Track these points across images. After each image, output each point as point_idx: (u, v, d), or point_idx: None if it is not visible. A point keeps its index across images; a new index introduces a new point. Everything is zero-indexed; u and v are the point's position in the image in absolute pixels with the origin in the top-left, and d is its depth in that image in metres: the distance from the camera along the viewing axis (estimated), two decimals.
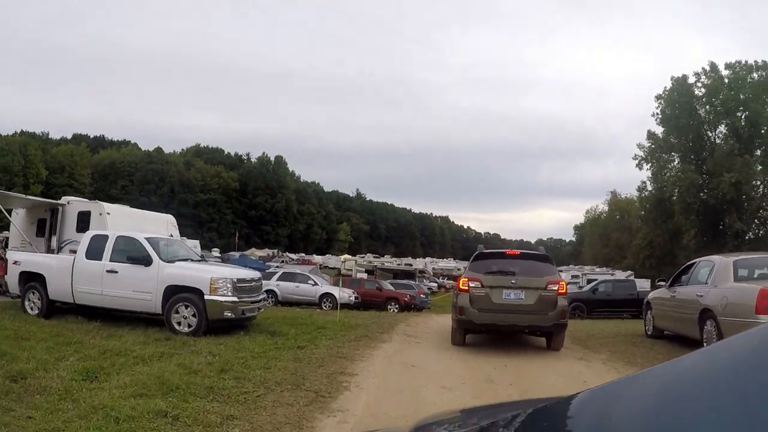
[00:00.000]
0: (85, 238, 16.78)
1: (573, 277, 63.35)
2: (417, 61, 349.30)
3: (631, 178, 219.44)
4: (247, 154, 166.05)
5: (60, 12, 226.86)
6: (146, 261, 15.20)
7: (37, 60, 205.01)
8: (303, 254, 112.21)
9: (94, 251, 16.13)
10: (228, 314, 14.45)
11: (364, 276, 53.30)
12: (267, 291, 33.05)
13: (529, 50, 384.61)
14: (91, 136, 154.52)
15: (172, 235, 19.74)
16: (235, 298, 14.58)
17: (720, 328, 12.03)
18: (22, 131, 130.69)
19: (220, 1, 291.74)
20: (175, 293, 14.73)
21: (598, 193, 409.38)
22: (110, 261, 15.73)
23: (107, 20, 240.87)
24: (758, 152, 69.89)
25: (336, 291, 31.38)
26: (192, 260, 16.51)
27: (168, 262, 15.32)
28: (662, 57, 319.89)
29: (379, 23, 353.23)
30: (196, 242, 74.44)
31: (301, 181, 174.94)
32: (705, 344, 12.44)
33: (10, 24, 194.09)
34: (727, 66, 72.25)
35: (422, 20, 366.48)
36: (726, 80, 71.89)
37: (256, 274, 17.14)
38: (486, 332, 15.32)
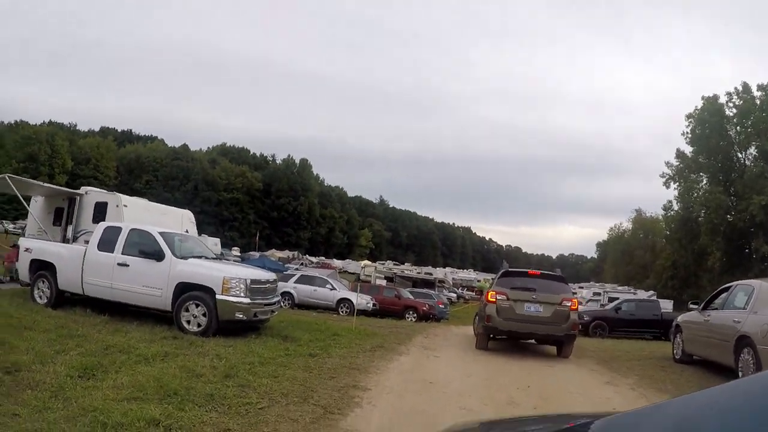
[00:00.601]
0: (98, 229, 16.30)
1: (594, 294, 62.53)
2: (446, 72, 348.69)
3: (654, 197, 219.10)
4: (273, 156, 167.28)
5: (93, 7, 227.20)
6: (158, 256, 14.67)
7: (69, 54, 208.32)
8: (323, 258, 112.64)
9: (107, 243, 15.63)
10: (239, 315, 13.86)
11: (383, 283, 52.39)
12: (284, 293, 32.74)
13: (557, 66, 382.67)
14: (119, 130, 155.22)
15: (187, 231, 19.13)
16: (247, 300, 13.98)
17: (758, 357, 11.30)
18: (50, 121, 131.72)
19: (254, 3, 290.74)
20: (186, 291, 14.17)
21: (619, 211, 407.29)
22: (122, 254, 15.20)
23: (140, 16, 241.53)
24: None
25: (354, 297, 30.72)
26: (206, 258, 15.92)
27: (181, 258, 14.74)
28: (686, 76, 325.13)
29: (411, 34, 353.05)
30: (217, 240, 74.64)
31: (325, 184, 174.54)
32: (740, 373, 11.87)
33: (44, 18, 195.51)
34: (760, 87, 71.36)
35: (453, 33, 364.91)
36: (758, 101, 70.91)
37: (272, 276, 16.52)
38: (507, 338, 17.54)
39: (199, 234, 74.33)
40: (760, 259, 68.71)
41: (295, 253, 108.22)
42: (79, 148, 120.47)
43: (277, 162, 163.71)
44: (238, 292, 13.86)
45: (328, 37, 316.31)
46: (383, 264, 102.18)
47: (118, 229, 15.85)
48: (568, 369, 14.25)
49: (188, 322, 13.92)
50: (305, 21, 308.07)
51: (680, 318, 17.62)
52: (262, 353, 11.75)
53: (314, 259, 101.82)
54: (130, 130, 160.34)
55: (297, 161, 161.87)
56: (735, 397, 1.21)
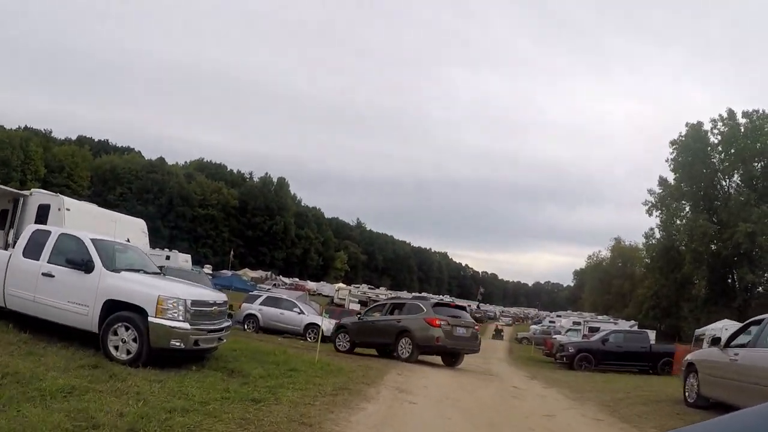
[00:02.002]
0: (26, 233, 13.84)
1: (574, 323, 60.79)
2: (426, 97, 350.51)
3: (631, 225, 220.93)
4: (250, 173, 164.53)
5: (75, 17, 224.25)
6: (87, 267, 12.16)
7: (49, 60, 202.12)
8: (297, 279, 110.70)
9: (34, 249, 13.11)
10: (176, 343, 11.39)
11: (357, 307, 49.85)
12: (248, 315, 30.44)
13: (537, 94, 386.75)
14: (96, 140, 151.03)
15: (129, 240, 16.52)
16: (186, 325, 11.52)
17: None
18: (26, 126, 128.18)
19: (235, 21, 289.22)
20: (115, 310, 11.68)
21: (595, 239, 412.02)
22: (48, 262, 12.70)
23: (123, 28, 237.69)
24: None
25: (322, 322, 28.19)
26: (146, 272, 13.38)
27: (113, 271, 12.26)
28: (664, 107, 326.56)
29: (392, 58, 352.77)
30: (188, 257, 72.59)
31: (302, 204, 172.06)
32: None
33: (25, 26, 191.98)
34: (745, 114, 70.83)
35: (434, 58, 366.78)
36: (742, 128, 70.42)
37: (220, 297, 13.94)
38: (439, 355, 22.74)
39: (170, 249, 72.40)
40: (744, 289, 68.17)
41: (269, 273, 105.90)
42: (53, 156, 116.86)
43: (255, 180, 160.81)
44: (175, 315, 11.39)
45: (311, 58, 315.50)
46: (358, 288, 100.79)
47: (47, 234, 13.34)
48: (571, 418, 12.10)
49: (116, 347, 11.41)
50: (288, 41, 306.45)
51: (693, 356, 15.40)
52: (194, 394, 9.29)
53: (288, 280, 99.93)
54: (107, 140, 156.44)
55: (275, 179, 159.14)
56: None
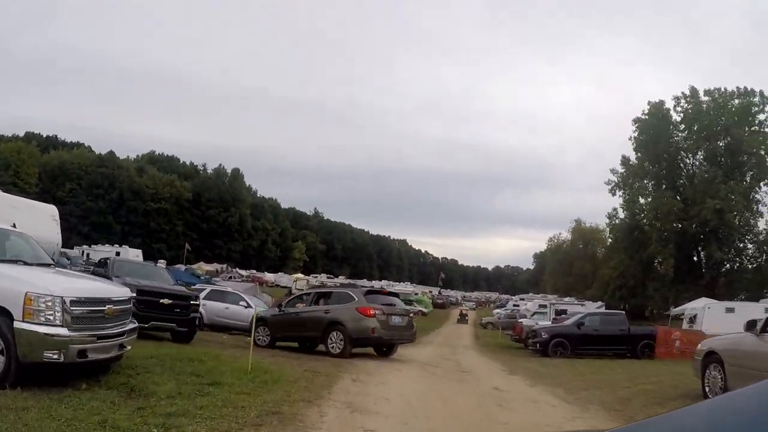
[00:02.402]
0: None
1: (540, 306, 58.52)
2: (379, 87, 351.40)
3: (588, 208, 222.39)
4: (204, 165, 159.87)
5: (26, 12, 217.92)
6: None
7: None
8: (255, 271, 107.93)
9: None
10: (51, 355, 8.34)
11: None
12: None
13: (489, 83, 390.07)
14: (44, 135, 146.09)
15: (14, 226, 13.22)
16: (64, 330, 8.50)
17: None
18: None
19: (188, 16, 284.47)
20: None
21: (552, 224, 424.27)
22: None
23: (71, 24, 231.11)
24: (747, 180, 67.80)
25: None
26: (26, 263, 10.27)
27: None
28: (617, 90, 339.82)
29: (343, 49, 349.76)
30: (139, 252, 69.54)
31: (258, 196, 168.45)
32: None
33: None
34: (707, 92, 70.37)
35: (385, 48, 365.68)
36: (704, 106, 70.14)
37: (121, 292, 10.60)
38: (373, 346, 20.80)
39: (121, 245, 69.35)
40: (712, 266, 68.04)
41: (224, 266, 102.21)
42: None
43: (208, 172, 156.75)
44: (50, 317, 8.35)
45: (264, 51, 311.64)
46: (316, 277, 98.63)
47: None
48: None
49: None
50: (239, 33, 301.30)
51: (716, 344, 12.81)
52: (62, 430, 6.39)
53: (245, 272, 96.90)
54: (56, 135, 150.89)
55: (229, 171, 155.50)
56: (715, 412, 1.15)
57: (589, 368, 21.99)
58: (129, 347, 10.59)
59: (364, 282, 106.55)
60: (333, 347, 19.28)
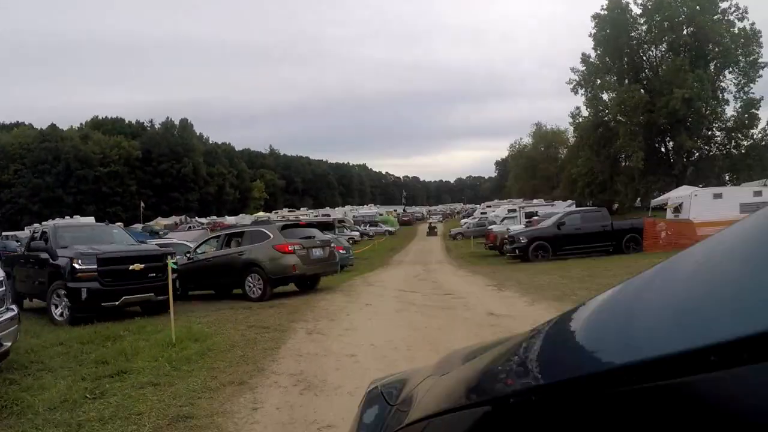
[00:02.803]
0: None
1: (509, 211, 58.03)
2: (323, 18, 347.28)
3: (546, 112, 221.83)
4: (150, 121, 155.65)
5: None
6: None
7: None
8: (215, 217, 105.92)
9: None
10: None
11: None
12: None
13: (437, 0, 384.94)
14: None
15: None
16: None
17: None
18: None
19: None
20: None
21: (514, 130, 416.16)
22: None
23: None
24: (712, 67, 67.60)
25: None
26: None
27: None
28: None
29: None
30: (91, 219, 67.03)
31: (210, 143, 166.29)
32: None
33: None
34: None
35: None
36: None
37: None
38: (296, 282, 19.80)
39: (72, 216, 66.69)
40: (682, 156, 68.49)
41: (182, 217, 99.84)
42: None
43: (156, 127, 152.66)
44: None
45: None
46: (278, 213, 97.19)
47: None
48: None
49: None
50: None
51: None
52: None
53: (204, 220, 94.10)
54: None
55: (177, 123, 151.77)
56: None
57: (581, 270, 20.49)
58: (10, 343, 8.08)
59: (327, 210, 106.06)
60: (252, 291, 18.32)
